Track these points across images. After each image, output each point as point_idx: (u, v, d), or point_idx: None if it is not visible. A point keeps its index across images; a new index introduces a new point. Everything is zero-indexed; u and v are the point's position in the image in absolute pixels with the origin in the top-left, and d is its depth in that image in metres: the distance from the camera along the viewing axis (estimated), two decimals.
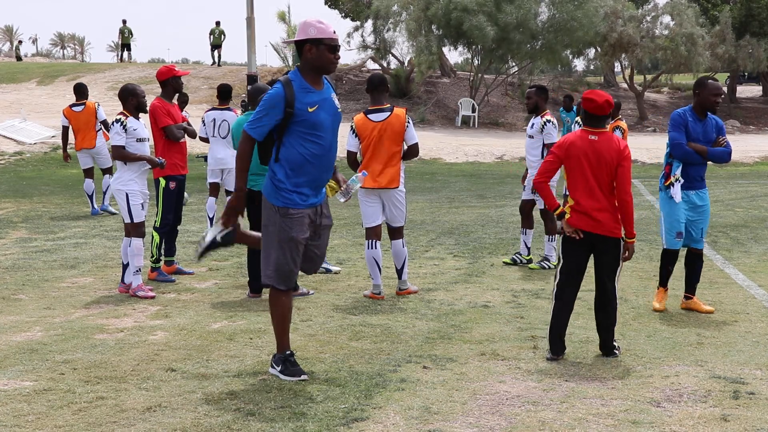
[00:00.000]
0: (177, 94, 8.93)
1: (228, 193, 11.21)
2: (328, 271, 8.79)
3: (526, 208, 9.34)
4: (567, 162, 5.81)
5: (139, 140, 7.79)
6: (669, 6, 35.15)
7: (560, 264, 5.92)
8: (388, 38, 34.87)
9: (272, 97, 5.14)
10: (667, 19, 35.04)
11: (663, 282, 7.29)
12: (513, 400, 4.95)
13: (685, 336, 6.41)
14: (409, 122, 7.60)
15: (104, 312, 7.12)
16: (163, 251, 8.62)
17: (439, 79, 38.11)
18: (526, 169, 9.40)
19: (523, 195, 9.40)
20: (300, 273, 5.56)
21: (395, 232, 7.78)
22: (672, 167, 7.05)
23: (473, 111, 32.87)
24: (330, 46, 5.18)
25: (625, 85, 38.87)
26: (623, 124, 11.69)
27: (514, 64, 35.76)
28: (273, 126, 5.15)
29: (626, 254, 5.88)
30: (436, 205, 14.87)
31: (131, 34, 41.29)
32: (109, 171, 13.40)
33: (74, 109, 13.31)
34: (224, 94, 11.14)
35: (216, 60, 38.41)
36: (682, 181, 7.03)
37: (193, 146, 14.13)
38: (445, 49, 34.99)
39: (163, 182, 8.37)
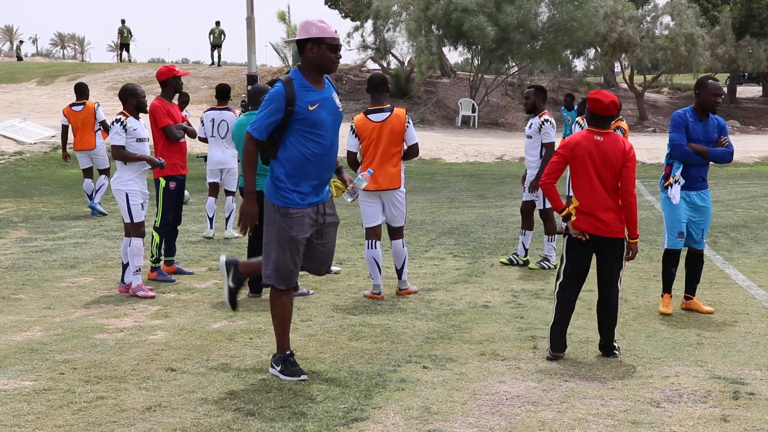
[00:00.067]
0: (177, 94, 8.93)
1: (228, 193, 11.23)
2: (328, 271, 8.78)
3: (527, 209, 9.34)
4: (572, 162, 5.82)
5: (139, 140, 7.79)
6: (669, 6, 35.16)
7: (563, 264, 5.92)
8: (388, 38, 34.89)
9: (273, 96, 5.15)
10: (667, 19, 35.07)
11: (667, 288, 7.20)
12: (513, 400, 4.95)
13: (685, 336, 6.41)
14: (409, 122, 7.60)
15: (104, 312, 7.12)
16: (163, 251, 8.62)
17: (439, 79, 38.12)
18: (526, 170, 9.40)
19: (524, 196, 9.40)
20: (302, 273, 5.56)
21: (395, 233, 7.78)
22: (672, 168, 7.04)
23: (473, 111, 32.88)
24: (331, 46, 5.19)
25: (625, 86, 38.87)
26: (624, 124, 11.65)
27: (514, 64, 35.77)
28: (275, 125, 5.16)
29: (629, 254, 5.89)
30: (436, 205, 14.87)
31: (130, 33, 41.28)
32: (106, 172, 13.35)
33: (74, 108, 13.31)
34: (223, 94, 11.14)
35: (216, 60, 38.40)
36: (682, 181, 7.01)
37: (192, 146, 14.14)
38: (445, 50, 35.03)
39: (163, 182, 8.37)
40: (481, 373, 5.46)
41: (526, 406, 4.86)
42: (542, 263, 9.19)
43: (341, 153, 7.58)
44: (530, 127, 9.17)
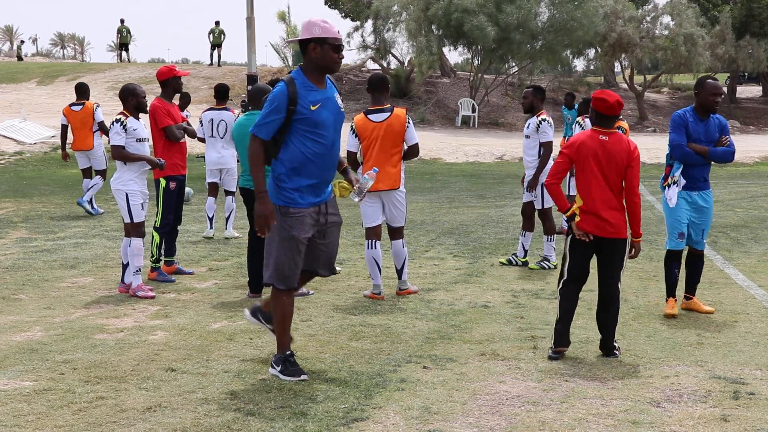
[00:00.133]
0: (178, 94, 8.92)
1: (227, 192, 11.23)
2: (333, 272, 8.78)
3: (528, 210, 9.34)
4: (577, 162, 5.82)
5: (139, 140, 7.79)
6: (669, 6, 35.16)
7: (566, 262, 5.93)
8: (388, 38, 34.88)
9: (276, 95, 5.16)
10: (667, 19, 35.07)
11: (671, 291, 7.15)
12: (513, 400, 4.95)
13: (685, 336, 6.41)
14: (409, 122, 7.60)
15: (104, 312, 7.12)
16: (163, 251, 8.62)
17: (439, 79, 38.11)
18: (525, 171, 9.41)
19: (524, 197, 9.40)
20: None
21: (395, 233, 7.78)
22: (672, 169, 7.03)
23: (473, 111, 32.88)
24: (334, 46, 5.21)
25: (625, 85, 38.87)
26: (624, 124, 11.65)
27: (514, 64, 35.77)
28: (279, 125, 5.16)
29: (632, 252, 5.92)
30: (436, 205, 14.87)
31: (129, 33, 41.25)
32: (102, 173, 13.33)
33: (73, 108, 13.31)
34: (221, 94, 11.15)
35: (216, 60, 38.40)
36: (683, 182, 6.99)
37: (192, 146, 14.15)
38: (445, 50, 35.02)
39: (163, 182, 8.37)
40: (481, 373, 5.46)
41: (526, 406, 4.86)
42: (542, 263, 9.19)
43: (341, 153, 7.60)
44: (528, 127, 9.19)
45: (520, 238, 9.39)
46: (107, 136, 13.04)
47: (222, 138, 10.99)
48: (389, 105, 7.63)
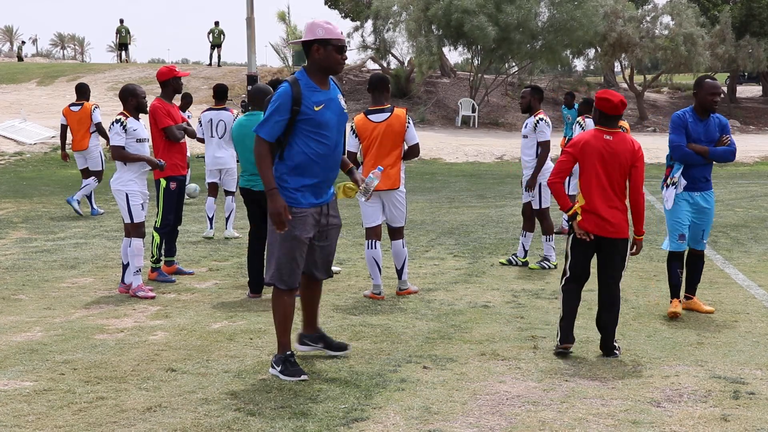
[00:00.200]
0: (177, 95, 8.92)
1: (227, 192, 11.24)
2: (329, 274, 8.78)
3: (528, 210, 9.34)
4: (581, 161, 5.83)
5: (139, 141, 7.78)
6: (669, 6, 35.16)
7: (568, 261, 5.94)
8: (388, 38, 34.90)
9: (280, 96, 5.17)
10: (666, 19, 35.08)
11: (675, 293, 7.13)
12: (513, 400, 4.95)
13: (685, 336, 6.41)
14: (409, 122, 7.60)
15: (104, 312, 7.12)
16: (163, 251, 8.62)
17: (439, 79, 38.12)
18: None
19: (523, 198, 9.40)
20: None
21: (395, 233, 7.78)
22: (672, 170, 7.02)
23: (473, 111, 32.88)
24: (337, 47, 5.23)
25: (625, 85, 38.87)
26: (625, 123, 11.67)
27: (514, 64, 35.77)
28: (283, 125, 5.17)
29: (634, 249, 5.96)
30: (436, 205, 14.87)
31: (129, 33, 41.22)
32: (97, 174, 13.30)
33: (72, 108, 13.32)
34: (220, 94, 11.15)
35: (216, 60, 38.39)
36: (684, 183, 6.97)
37: (192, 147, 14.14)
38: (445, 50, 35.03)
39: (163, 183, 8.37)
40: (481, 373, 5.46)
41: (526, 406, 4.86)
42: (542, 263, 9.19)
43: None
44: (526, 126, 9.21)
45: (520, 239, 9.39)
46: (104, 137, 13.11)
47: (221, 138, 11.00)
48: (389, 105, 7.63)
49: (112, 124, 7.78)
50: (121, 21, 40.52)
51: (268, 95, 7.89)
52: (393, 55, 37.35)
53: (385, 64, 38.23)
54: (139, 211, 7.74)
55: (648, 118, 35.28)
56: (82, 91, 13.38)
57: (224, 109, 11.07)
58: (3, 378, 5.33)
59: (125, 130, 7.70)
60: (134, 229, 7.75)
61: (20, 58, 49.09)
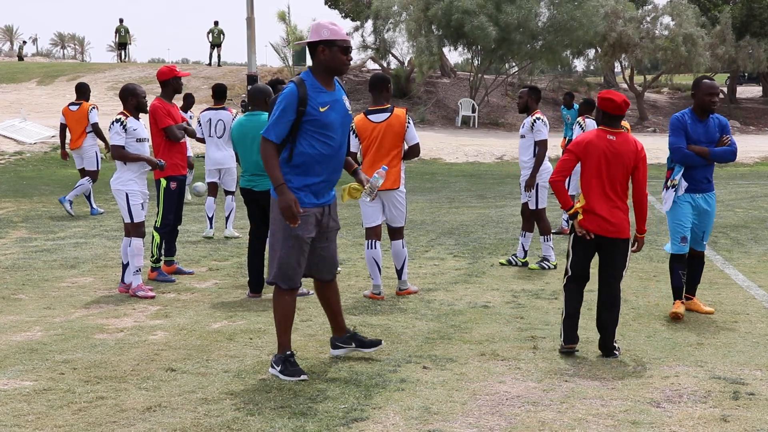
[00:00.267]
0: (177, 95, 8.92)
1: (227, 192, 11.24)
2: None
3: (527, 210, 9.35)
4: (584, 161, 5.84)
5: (139, 140, 7.79)
6: (669, 6, 35.17)
7: (570, 259, 5.95)
8: (388, 38, 34.90)
9: (286, 97, 5.18)
10: (667, 19, 35.09)
11: (677, 295, 7.11)
12: (513, 401, 4.95)
13: (685, 336, 6.41)
14: (409, 122, 7.60)
15: (104, 312, 7.12)
16: (163, 251, 8.62)
17: (439, 79, 38.12)
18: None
19: (522, 198, 9.41)
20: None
21: (395, 233, 7.78)
22: (673, 172, 7.01)
23: (473, 111, 32.88)
24: (343, 48, 5.25)
25: (625, 86, 38.89)
26: (626, 124, 11.69)
27: (514, 64, 35.77)
28: (289, 126, 5.17)
29: (635, 247, 5.99)
30: (436, 205, 14.87)
31: (128, 33, 41.20)
32: (92, 174, 13.27)
33: (71, 108, 13.32)
34: (219, 94, 11.16)
35: (215, 60, 38.38)
36: (685, 185, 6.95)
37: (195, 147, 14.13)
38: (445, 50, 35.03)
39: (164, 182, 8.37)
40: (481, 373, 5.46)
41: (526, 406, 4.86)
42: (542, 263, 9.19)
43: None
44: (523, 126, 9.24)
45: (520, 239, 9.39)
46: (99, 138, 13.09)
47: (220, 138, 11.00)
48: (389, 105, 7.63)
49: (112, 123, 7.78)
50: (121, 21, 40.51)
51: (267, 95, 7.90)
52: (393, 55, 37.38)
53: (385, 64, 38.23)
54: (139, 211, 7.74)
55: (648, 119, 35.30)
56: (82, 91, 13.38)
57: (223, 108, 11.08)
58: (3, 378, 5.33)
59: (125, 130, 7.70)
60: (134, 229, 7.75)
61: (20, 58, 49.11)
